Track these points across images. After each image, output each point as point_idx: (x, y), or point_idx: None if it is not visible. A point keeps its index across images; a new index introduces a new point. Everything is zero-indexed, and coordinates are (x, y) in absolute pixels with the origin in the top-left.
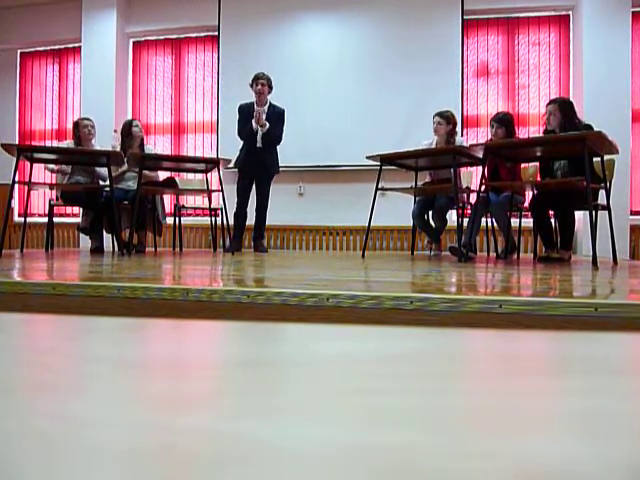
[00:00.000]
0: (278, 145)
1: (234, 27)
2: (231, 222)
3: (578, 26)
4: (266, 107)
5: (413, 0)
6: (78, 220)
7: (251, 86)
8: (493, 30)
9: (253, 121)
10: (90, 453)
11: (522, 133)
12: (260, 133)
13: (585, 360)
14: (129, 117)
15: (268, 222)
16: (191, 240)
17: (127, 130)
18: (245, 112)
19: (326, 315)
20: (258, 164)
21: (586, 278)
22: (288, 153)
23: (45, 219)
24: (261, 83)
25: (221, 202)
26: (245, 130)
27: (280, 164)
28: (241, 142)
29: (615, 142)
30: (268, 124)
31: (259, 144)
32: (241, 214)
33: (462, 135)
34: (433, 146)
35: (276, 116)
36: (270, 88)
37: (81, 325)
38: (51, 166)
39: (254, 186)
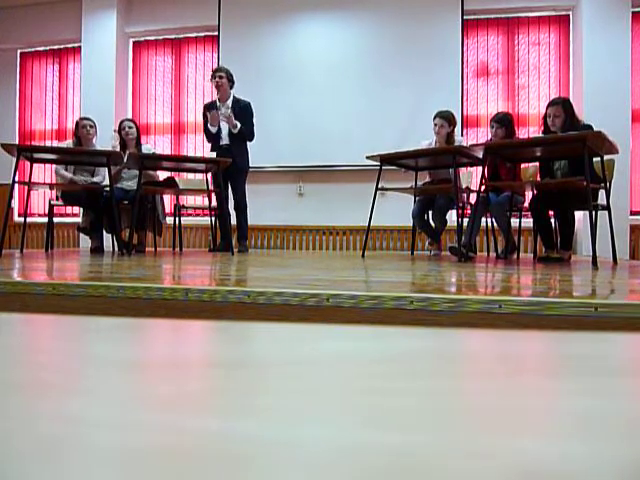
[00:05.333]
0: (251, 142)
1: (234, 27)
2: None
3: (578, 26)
4: (230, 102)
5: (413, 0)
6: (78, 220)
7: (211, 81)
8: (493, 30)
9: (209, 124)
10: (90, 452)
11: (522, 133)
12: (224, 131)
13: (585, 360)
14: (128, 117)
15: (267, 222)
16: (191, 240)
17: (120, 130)
18: (209, 109)
19: (327, 315)
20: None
21: (586, 278)
22: (288, 153)
23: (45, 219)
24: (219, 76)
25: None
26: (205, 133)
27: (279, 164)
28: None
29: (615, 142)
30: (239, 124)
31: (224, 141)
32: (223, 213)
33: (462, 135)
34: (433, 146)
35: (242, 111)
36: (231, 82)
37: (81, 325)
38: (63, 172)
39: (229, 186)
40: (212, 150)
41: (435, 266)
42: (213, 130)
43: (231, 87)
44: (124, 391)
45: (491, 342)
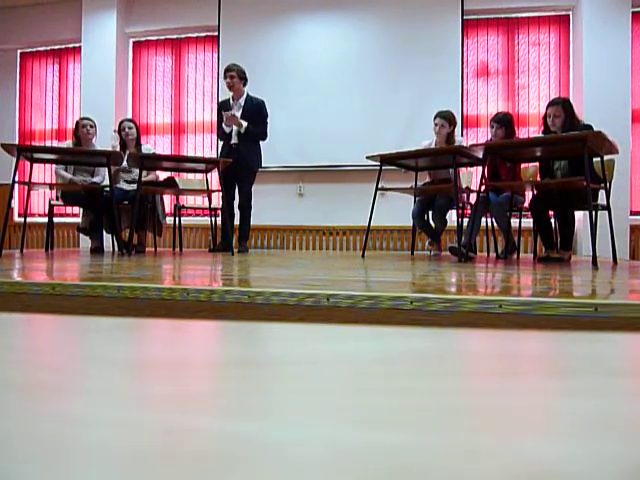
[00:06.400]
0: (264, 141)
1: (234, 27)
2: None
3: (578, 26)
4: (242, 100)
5: (413, 0)
6: (78, 220)
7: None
8: (493, 30)
9: (223, 124)
10: (89, 453)
11: (522, 133)
12: (234, 130)
13: (585, 360)
14: (128, 117)
15: (267, 222)
16: (191, 240)
17: (120, 130)
18: (222, 108)
19: (325, 315)
20: (235, 161)
21: (586, 278)
22: (288, 153)
23: (45, 219)
24: (229, 76)
25: (221, 202)
26: (218, 133)
27: (280, 164)
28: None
29: (615, 142)
30: (245, 123)
31: (234, 140)
32: (226, 213)
33: (462, 135)
34: (433, 146)
35: (255, 109)
36: (243, 80)
37: (81, 325)
38: (62, 172)
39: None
40: (222, 149)
41: (435, 266)
42: (227, 130)
43: (244, 84)
44: (124, 391)
45: (490, 342)
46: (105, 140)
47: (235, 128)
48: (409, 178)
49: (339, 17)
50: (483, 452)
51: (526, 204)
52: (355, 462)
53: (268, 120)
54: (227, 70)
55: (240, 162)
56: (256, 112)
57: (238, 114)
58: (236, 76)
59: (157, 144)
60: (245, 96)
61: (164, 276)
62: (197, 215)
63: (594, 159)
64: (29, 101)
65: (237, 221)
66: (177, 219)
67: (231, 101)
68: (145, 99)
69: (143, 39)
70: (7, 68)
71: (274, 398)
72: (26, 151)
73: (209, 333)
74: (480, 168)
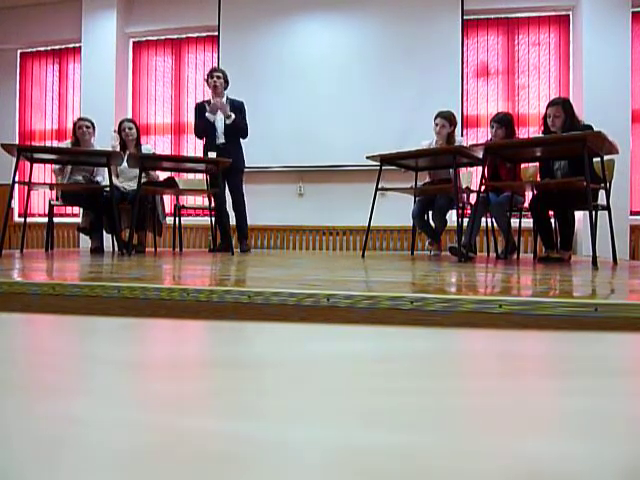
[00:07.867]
0: (245, 139)
1: (234, 27)
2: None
3: (578, 26)
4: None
5: (413, 0)
6: (78, 220)
7: (206, 81)
8: (493, 30)
9: (207, 113)
10: (89, 453)
11: (522, 133)
12: (220, 129)
13: (585, 360)
14: (128, 117)
15: (267, 222)
16: (191, 240)
17: (120, 130)
18: (202, 110)
19: (325, 315)
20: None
21: (586, 278)
22: (288, 153)
23: (45, 219)
24: (216, 76)
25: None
26: (199, 125)
27: (280, 164)
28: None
29: (615, 142)
30: (233, 115)
31: (220, 140)
32: (222, 214)
33: (462, 135)
34: (433, 146)
35: (235, 110)
36: (226, 82)
37: (80, 325)
38: (57, 169)
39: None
40: (210, 150)
41: (435, 266)
42: (212, 119)
43: (225, 88)
44: (123, 391)
45: (490, 342)
46: (105, 140)
47: (220, 129)
48: (409, 178)
49: (339, 17)
50: (483, 452)
51: (526, 204)
52: (355, 462)
53: (247, 120)
54: (214, 70)
55: (231, 163)
56: (237, 112)
57: (221, 115)
58: (222, 78)
59: (157, 144)
60: (225, 98)
61: (164, 276)
62: (197, 215)
63: (594, 159)
64: (29, 101)
65: (232, 221)
66: (177, 219)
67: (212, 101)
68: (145, 99)
69: (143, 39)
70: (7, 68)
71: (273, 398)
72: (26, 151)
73: (208, 333)
74: (480, 168)
